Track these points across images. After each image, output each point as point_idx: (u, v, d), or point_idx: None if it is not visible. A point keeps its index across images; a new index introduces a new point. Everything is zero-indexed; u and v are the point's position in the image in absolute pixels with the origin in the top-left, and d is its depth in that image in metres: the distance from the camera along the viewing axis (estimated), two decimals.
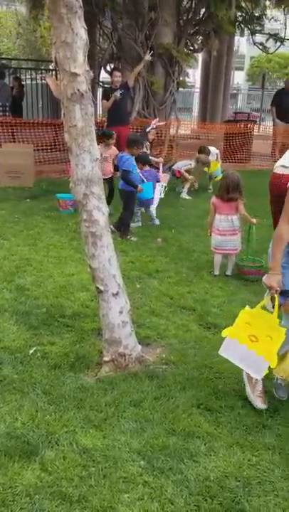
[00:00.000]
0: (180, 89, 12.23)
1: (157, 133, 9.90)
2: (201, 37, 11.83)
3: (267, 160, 12.07)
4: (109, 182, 6.54)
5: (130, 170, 5.79)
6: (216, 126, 13.49)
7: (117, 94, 8.54)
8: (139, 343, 3.32)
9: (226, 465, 2.37)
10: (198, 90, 21.91)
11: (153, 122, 8.25)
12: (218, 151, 8.83)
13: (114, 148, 6.94)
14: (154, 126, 7.94)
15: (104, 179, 6.56)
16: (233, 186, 4.80)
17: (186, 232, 6.23)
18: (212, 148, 8.57)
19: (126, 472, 2.29)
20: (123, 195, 6.02)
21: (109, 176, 6.63)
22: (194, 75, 25.56)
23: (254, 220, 4.88)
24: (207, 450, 2.46)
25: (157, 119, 8.71)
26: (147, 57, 9.02)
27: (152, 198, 6.42)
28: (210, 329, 3.80)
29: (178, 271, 4.93)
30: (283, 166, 4.48)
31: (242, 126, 12.13)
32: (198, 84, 22.82)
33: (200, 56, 17.94)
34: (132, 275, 4.70)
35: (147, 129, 7.89)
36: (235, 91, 28.53)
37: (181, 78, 11.12)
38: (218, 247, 4.89)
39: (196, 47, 11.93)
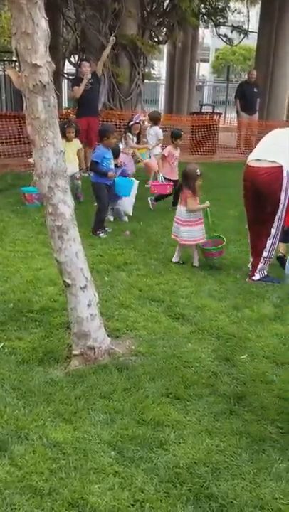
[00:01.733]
0: (146, 81, 12.23)
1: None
2: (165, 28, 11.84)
3: (233, 152, 12.24)
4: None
5: (98, 161, 5.73)
6: (182, 119, 13.55)
7: (88, 76, 8.50)
8: (109, 336, 3.34)
9: (195, 452, 2.41)
10: (164, 82, 21.91)
11: (135, 116, 8.17)
12: (160, 138, 8.51)
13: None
14: (138, 121, 7.88)
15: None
16: (183, 178, 4.96)
17: (154, 225, 6.26)
18: (158, 130, 8.40)
19: (96, 463, 2.31)
20: (93, 188, 5.95)
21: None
22: (159, 67, 25.51)
23: (207, 203, 4.94)
24: (176, 438, 2.50)
25: (140, 112, 8.65)
26: (112, 40, 8.83)
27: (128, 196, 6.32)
28: (178, 320, 3.84)
29: (146, 263, 4.95)
30: (257, 160, 4.49)
31: (208, 118, 12.24)
32: (164, 76, 22.81)
33: (165, 48, 17.95)
34: (101, 268, 4.70)
35: (130, 123, 7.83)
36: (201, 83, 28.65)
37: (146, 70, 11.11)
38: (173, 234, 5.11)
39: (161, 38, 11.94)
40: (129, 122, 7.99)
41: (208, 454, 2.41)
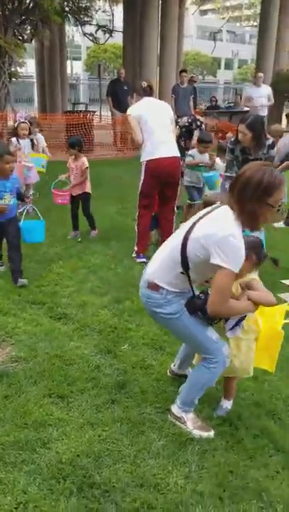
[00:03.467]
0: (17, 79, 11.91)
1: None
2: (29, 27, 11.61)
3: (110, 149, 12.46)
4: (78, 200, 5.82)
5: None
6: (56, 117, 13.45)
7: None
8: None
9: (77, 445, 2.48)
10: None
11: (18, 115, 7.44)
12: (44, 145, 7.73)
13: None
14: (23, 119, 6.98)
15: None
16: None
17: None
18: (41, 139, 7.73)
19: None
20: None
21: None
22: (27, 66, 24.94)
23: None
24: (59, 435, 2.54)
25: (23, 112, 8.11)
26: None
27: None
28: (60, 319, 3.86)
29: (25, 267, 4.85)
30: (168, 154, 4.99)
31: (82, 116, 12.29)
32: None
33: (33, 46, 17.59)
34: None
35: (15, 124, 6.98)
36: (74, 81, 28.59)
37: (13, 69, 10.81)
38: None
39: (26, 37, 11.68)
40: (14, 125, 7.05)
41: (91, 445, 2.48)
